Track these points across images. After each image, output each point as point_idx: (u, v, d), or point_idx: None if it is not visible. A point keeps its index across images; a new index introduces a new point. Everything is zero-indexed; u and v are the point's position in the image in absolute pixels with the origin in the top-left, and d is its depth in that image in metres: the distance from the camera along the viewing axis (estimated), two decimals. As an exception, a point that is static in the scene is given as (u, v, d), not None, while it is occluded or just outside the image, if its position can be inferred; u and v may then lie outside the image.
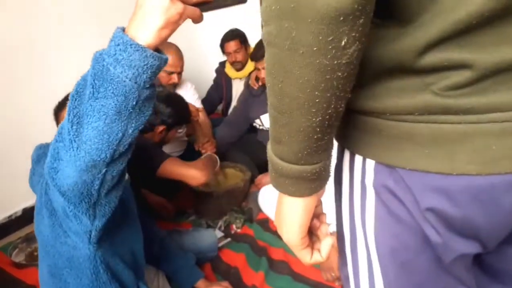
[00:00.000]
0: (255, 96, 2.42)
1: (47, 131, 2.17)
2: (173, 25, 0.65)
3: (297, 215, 0.56)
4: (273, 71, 0.45)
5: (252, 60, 2.30)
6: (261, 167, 2.41)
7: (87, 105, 0.66)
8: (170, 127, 1.87)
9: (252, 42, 2.93)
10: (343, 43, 0.40)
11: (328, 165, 0.54)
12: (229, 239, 1.95)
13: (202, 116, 2.43)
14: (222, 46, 2.85)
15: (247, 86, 2.50)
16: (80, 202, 0.77)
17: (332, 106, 0.46)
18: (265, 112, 2.38)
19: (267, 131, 2.43)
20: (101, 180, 0.75)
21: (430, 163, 0.48)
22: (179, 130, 2.04)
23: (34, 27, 2.11)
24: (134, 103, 0.66)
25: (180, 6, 0.64)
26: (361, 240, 0.60)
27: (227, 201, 2.06)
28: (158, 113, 1.79)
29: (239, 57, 2.80)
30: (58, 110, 1.20)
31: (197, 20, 0.69)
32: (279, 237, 1.95)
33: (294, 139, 0.49)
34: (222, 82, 3.01)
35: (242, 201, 2.24)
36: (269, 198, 2.02)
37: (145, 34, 0.64)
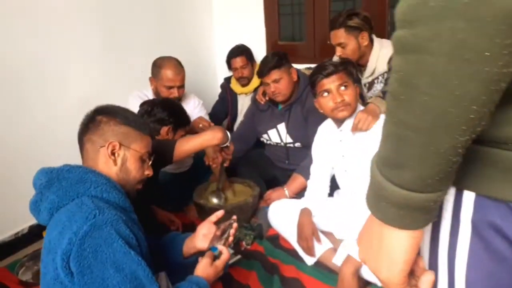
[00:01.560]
0: (262, 111, 2.42)
1: (52, 151, 2.18)
2: None
3: (405, 251, 0.49)
4: (415, 81, 0.39)
5: (259, 77, 2.28)
6: (269, 182, 2.41)
7: None
8: (174, 128, 1.93)
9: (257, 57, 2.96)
10: None
11: (445, 194, 0.48)
12: (239, 256, 1.93)
13: None
14: (228, 61, 2.86)
15: (254, 101, 2.50)
16: None
17: (483, 123, 0.39)
18: (272, 127, 2.37)
19: (274, 145, 2.43)
20: None
21: None
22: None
23: (46, 44, 2.12)
24: None
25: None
26: (444, 278, 0.54)
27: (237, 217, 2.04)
28: (158, 119, 1.90)
29: (246, 72, 2.81)
30: (82, 134, 1.17)
31: None
32: (290, 254, 1.93)
33: (429, 162, 0.43)
34: (227, 97, 3.02)
35: (251, 217, 2.22)
36: (279, 214, 2.00)
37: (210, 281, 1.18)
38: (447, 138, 0.41)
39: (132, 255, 0.94)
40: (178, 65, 2.28)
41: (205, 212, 2.10)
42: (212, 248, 1.25)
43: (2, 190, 2.05)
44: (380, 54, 2.17)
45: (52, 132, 2.21)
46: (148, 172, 1.22)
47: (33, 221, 2.17)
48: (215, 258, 1.24)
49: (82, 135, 1.16)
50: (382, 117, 1.73)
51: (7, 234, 2.10)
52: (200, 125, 2.26)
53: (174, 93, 2.25)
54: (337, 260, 1.70)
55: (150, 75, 2.31)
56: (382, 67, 2.16)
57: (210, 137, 1.63)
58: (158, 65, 2.27)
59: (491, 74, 0.36)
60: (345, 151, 1.82)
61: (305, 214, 1.84)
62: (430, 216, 0.48)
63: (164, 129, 1.90)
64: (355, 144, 1.76)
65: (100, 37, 2.45)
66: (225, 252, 1.24)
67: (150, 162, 1.24)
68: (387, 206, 0.48)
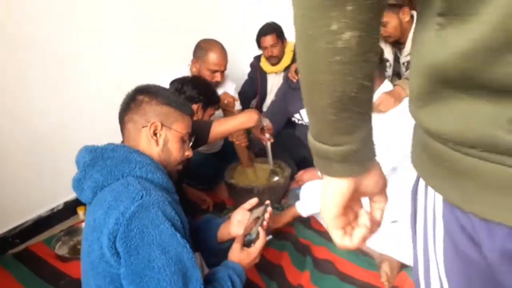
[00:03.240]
0: (295, 90, 2.37)
1: (89, 129, 2.20)
2: None
3: (331, 195, 0.53)
4: (297, 54, 0.47)
5: None
6: (300, 163, 2.38)
7: None
8: (204, 106, 1.92)
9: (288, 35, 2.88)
10: (334, 28, 0.40)
11: (358, 152, 0.50)
12: (270, 237, 1.92)
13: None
14: (258, 40, 2.79)
15: (286, 79, 2.45)
16: None
17: (339, 89, 0.44)
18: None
19: (306, 126, 2.39)
20: None
21: (497, 211, 0.41)
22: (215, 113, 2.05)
23: (83, 25, 2.12)
24: None
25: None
26: (434, 270, 0.56)
27: (268, 197, 2.01)
28: (188, 96, 1.87)
29: (276, 51, 2.74)
30: (124, 113, 1.15)
31: None
32: (322, 235, 1.92)
33: (316, 118, 0.49)
34: (257, 77, 2.97)
35: (282, 198, 2.21)
36: (311, 195, 1.98)
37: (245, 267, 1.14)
38: (315, 99, 0.47)
39: (178, 237, 0.94)
40: (223, 49, 2.23)
41: (235, 192, 2.11)
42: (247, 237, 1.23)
43: (39, 167, 2.09)
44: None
45: (89, 111, 2.23)
46: (188, 153, 1.21)
47: (68, 197, 2.22)
48: (250, 242, 1.21)
49: (123, 115, 1.15)
50: (406, 100, 1.67)
51: (44, 209, 2.15)
52: (226, 101, 2.23)
53: (217, 77, 2.20)
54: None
55: (181, 53, 2.27)
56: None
57: (246, 119, 1.61)
58: (203, 47, 2.21)
59: (321, 49, 0.42)
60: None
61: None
62: (344, 168, 0.50)
63: (193, 107, 1.88)
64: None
65: (133, 17, 2.44)
66: (262, 235, 1.19)
67: (191, 143, 1.22)
68: (315, 156, 0.53)
